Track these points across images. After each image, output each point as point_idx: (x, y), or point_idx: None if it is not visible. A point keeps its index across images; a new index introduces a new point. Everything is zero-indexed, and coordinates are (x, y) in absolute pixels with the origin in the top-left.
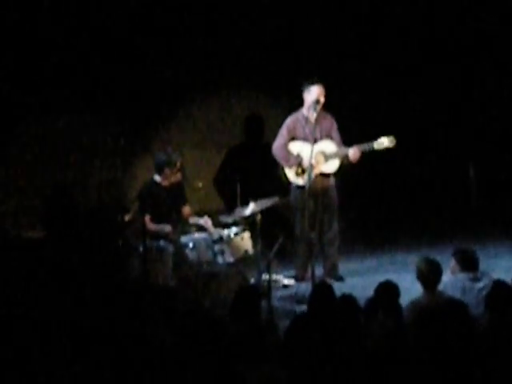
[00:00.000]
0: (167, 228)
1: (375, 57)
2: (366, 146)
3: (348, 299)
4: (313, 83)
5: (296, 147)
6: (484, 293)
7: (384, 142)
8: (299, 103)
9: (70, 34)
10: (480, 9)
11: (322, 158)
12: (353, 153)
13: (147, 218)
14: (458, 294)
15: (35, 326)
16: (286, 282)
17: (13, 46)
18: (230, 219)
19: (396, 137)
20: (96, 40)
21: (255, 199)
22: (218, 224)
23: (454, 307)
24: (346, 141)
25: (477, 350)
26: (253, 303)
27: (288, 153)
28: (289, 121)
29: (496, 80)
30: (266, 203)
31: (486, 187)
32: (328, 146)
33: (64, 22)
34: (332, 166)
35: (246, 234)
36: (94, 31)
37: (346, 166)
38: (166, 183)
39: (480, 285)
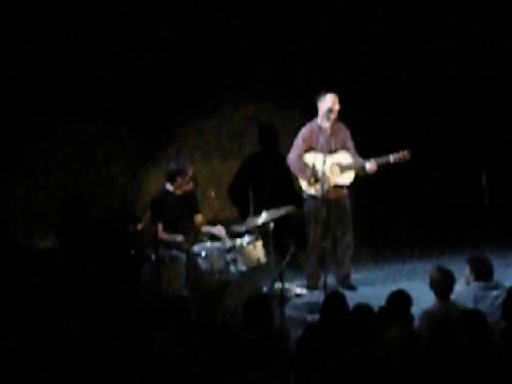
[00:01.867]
0: (179, 237)
1: (389, 68)
2: (382, 160)
3: (363, 308)
4: (325, 92)
5: (310, 158)
6: (498, 301)
7: (400, 155)
8: (313, 112)
9: (83, 45)
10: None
11: (337, 170)
12: (370, 166)
13: (159, 227)
14: (470, 303)
15: (48, 335)
16: (299, 290)
17: (30, 56)
18: (242, 228)
19: (409, 144)
20: (109, 52)
21: (268, 208)
22: (231, 233)
23: (472, 317)
24: (362, 154)
25: (492, 357)
26: (265, 312)
27: (304, 164)
28: (304, 131)
29: (508, 88)
30: (278, 212)
31: (499, 196)
32: (344, 157)
33: (77, 34)
34: (347, 178)
35: (259, 243)
36: (107, 42)
37: (361, 176)
38: (177, 192)
39: (494, 293)
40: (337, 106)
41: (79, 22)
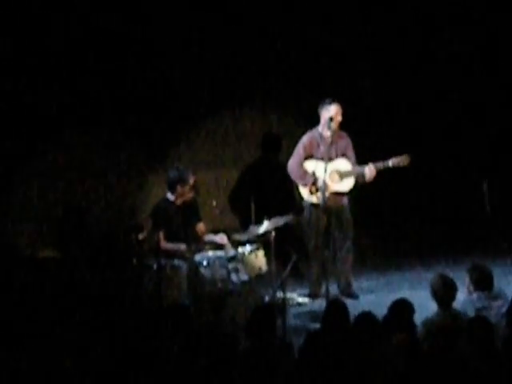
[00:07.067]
0: (181, 246)
1: (390, 74)
2: (381, 165)
3: (367, 316)
4: (330, 102)
5: (311, 166)
6: (503, 311)
7: (399, 160)
8: (314, 121)
9: (85, 53)
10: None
11: (336, 177)
12: (369, 171)
13: (161, 236)
14: (473, 313)
15: (49, 345)
16: (300, 299)
17: (29, 65)
18: (244, 237)
19: (409, 152)
20: (110, 61)
21: (269, 217)
22: (232, 242)
23: (478, 325)
24: (362, 159)
25: (497, 365)
26: (268, 321)
27: (304, 172)
28: (305, 139)
29: (509, 95)
30: (279, 221)
31: (500, 203)
32: (343, 164)
33: (77, 41)
34: (347, 185)
35: (260, 252)
36: (109, 51)
37: (361, 184)
38: (178, 201)
39: (498, 303)
40: (339, 117)
41: (81, 27)
